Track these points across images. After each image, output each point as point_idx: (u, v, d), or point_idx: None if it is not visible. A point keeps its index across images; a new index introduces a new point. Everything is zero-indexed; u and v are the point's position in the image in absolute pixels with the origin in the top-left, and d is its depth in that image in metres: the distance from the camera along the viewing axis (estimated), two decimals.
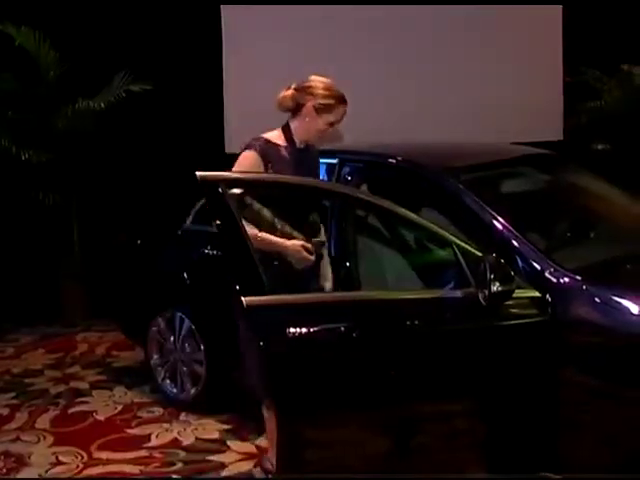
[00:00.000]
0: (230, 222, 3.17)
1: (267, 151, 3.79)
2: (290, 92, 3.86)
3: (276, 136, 3.89)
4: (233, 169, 3.75)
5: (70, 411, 5.12)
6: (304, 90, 3.82)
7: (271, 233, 3.67)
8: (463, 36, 7.44)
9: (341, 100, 3.81)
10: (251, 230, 3.45)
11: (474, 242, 3.59)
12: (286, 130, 3.89)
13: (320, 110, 3.79)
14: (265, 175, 3.71)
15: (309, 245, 3.70)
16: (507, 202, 4.12)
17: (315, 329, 3.12)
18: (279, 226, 3.69)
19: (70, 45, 6.84)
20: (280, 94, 3.89)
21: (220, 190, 3.19)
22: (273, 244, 3.64)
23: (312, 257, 3.69)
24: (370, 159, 4.45)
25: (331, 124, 3.83)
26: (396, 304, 3.43)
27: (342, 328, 3.19)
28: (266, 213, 3.69)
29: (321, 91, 3.79)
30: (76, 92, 6.79)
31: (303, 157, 3.87)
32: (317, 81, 3.83)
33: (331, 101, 3.78)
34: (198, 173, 3.18)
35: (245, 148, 3.87)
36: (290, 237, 3.69)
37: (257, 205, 3.69)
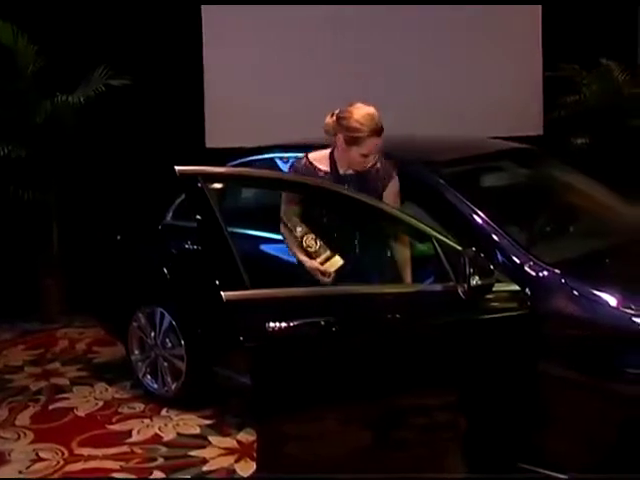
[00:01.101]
0: (209, 217, 3.16)
1: (306, 175, 3.81)
2: (330, 120, 3.83)
3: (322, 157, 3.89)
4: None
5: (50, 407, 5.10)
6: (338, 120, 3.76)
7: (299, 250, 3.75)
8: (445, 34, 7.49)
9: (372, 133, 3.68)
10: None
11: (454, 236, 3.61)
12: (331, 155, 3.88)
13: (349, 142, 3.72)
14: (244, 170, 3.71)
15: (324, 269, 3.66)
16: (487, 196, 4.15)
17: (295, 323, 3.12)
18: (305, 244, 3.73)
19: (48, 39, 6.79)
20: (325, 120, 3.86)
21: (199, 185, 3.18)
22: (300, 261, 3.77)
23: (327, 279, 3.66)
24: None
25: (364, 155, 3.74)
26: (376, 298, 3.45)
27: (322, 322, 3.18)
28: (298, 231, 3.75)
29: (352, 123, 3.69)
30: (55, 87, 6.74)
31: (347, 182, 3.81)
32: (352, 112, 3.73)
33: (360, 134, 3.68)
34: (177, 168, 3.17)
35: (289, 167, 3.94)
36: (317, 254, 3.71)
37: (293, 222, 3.79)
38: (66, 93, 6.76)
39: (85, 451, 4.46)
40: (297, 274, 3.76)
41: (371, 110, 3.73)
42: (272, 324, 3.08)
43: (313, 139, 4.69)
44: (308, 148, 4.49)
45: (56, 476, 4.19)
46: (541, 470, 3.47)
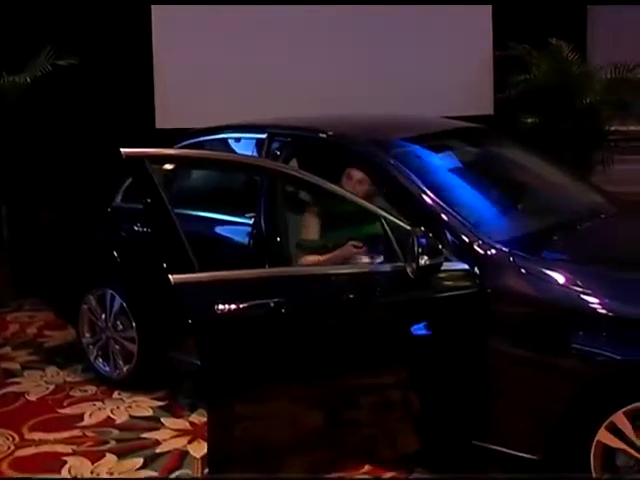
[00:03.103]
0: (156, 199, 3.14)
1: None
2: None
3: None
4: None
5: (1, 392, 5.04)
6: None
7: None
8: (395, 14, 7.46)
9: None
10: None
11: (404, 216, 3.63)
12: None
13: None
14: (190, 151, 3.69)
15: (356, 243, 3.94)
16: (436, 175, 4.15)
17: (244, 305, 3.12)
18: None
19: None
20: None
21: (145, 166, 3.15)
22: (331, 260, 4.04)
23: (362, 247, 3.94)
24: (300, 133, 4.44)
25: None
26: (325, 279, 3.45)
27: (271, 304, 3.19)
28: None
29: None
30: (0, 67, 6.63)
31: None
32: None
33: None
34: (123, 150, 3.14)
35: None
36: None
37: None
38: (12, 74, 6.65)
39: (36, 436, 4.41)
40: (249, 256, 3.77)
41: None
42: (221, 306, 3.08)
43: (265, 120, 4.70)
44: (260, 129, 4.51)
45: (5, 462, 4.14)
46: (493, 447, 3.50)
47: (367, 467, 3.88)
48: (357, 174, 4.14)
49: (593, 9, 8.16)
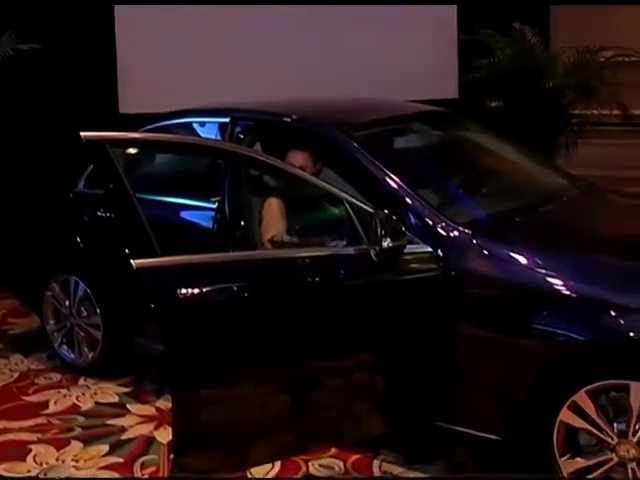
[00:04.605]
0: (118, 183, 3.12)
1: None
2: None
3: None
4: None
5: None
6: None
7: None
8: None
9: None
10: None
11: (368, 199, 3.63)
12: None
13: None
14: (151, 135, 3.66)
15: None
16: (400, 159, 4.17)
17: (207, 289, 3.11)
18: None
19: None
20: None
21: (107, 151, 3.12)
22: None
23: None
24: (263, 117, 4.42)
25: None
26: (289, 262, 3.45)
27: (234, 287, 3.18)
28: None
29: None
30: None
31: None
32: None
33: None
34: (82, 133, 3.10)
35: None
36: None
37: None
38: None
39: (0, 424, 4.38)
40: (213, 240, 3.75)
41: None
42: (183, 290, 3.07)
43: (229, 103, 4.67)
44: (223, 113, 4.48)
45: None
46: (458, 428, 3.53)
47: (333, 450, 3.90)
48: (299, 156, 4.15)
49: None
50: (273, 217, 4.13)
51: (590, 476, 3.24)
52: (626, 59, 7.20)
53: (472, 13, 7.65)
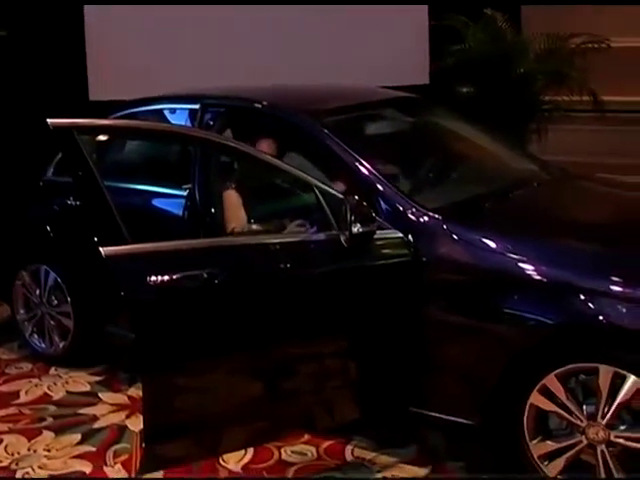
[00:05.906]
0: (85, 170, 3.09)
1: None
2: None
3: None
4: None
5: None
6: None
7: None
8: None
9: None
10: None
11: (338, 185, 3.62)
12: None
13: None
14: (120, 121, 3.63)
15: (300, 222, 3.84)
16: (370, 145, 4.16)
17: (177, 276, 3.09)
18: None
19: None
20: None
21: (75, 138, 3.09)
22: None
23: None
24: (233, 104, 4.41)
25: None
26: (259, 249, 3.44)
27: (204, 274, 3.16)
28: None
29: None
30: None
31: None
32: None
33: None
34: (50, 120, 3.07)
35: None
36: None
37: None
38: None
39: None
40: (184, 227, 3.73)
41: None
42: (153, 277, 3.05)
43: (200, 90, 4.65)
44: (194, 99, 4.46)
45: None
46: (431, 413, 3.54)
47: (306, 436, 3.92)
48: (263, 144, 4.16)
49: None
50: (232, 209, 4.13)
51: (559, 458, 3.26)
52: (596, 45, 7.24)
53: None
